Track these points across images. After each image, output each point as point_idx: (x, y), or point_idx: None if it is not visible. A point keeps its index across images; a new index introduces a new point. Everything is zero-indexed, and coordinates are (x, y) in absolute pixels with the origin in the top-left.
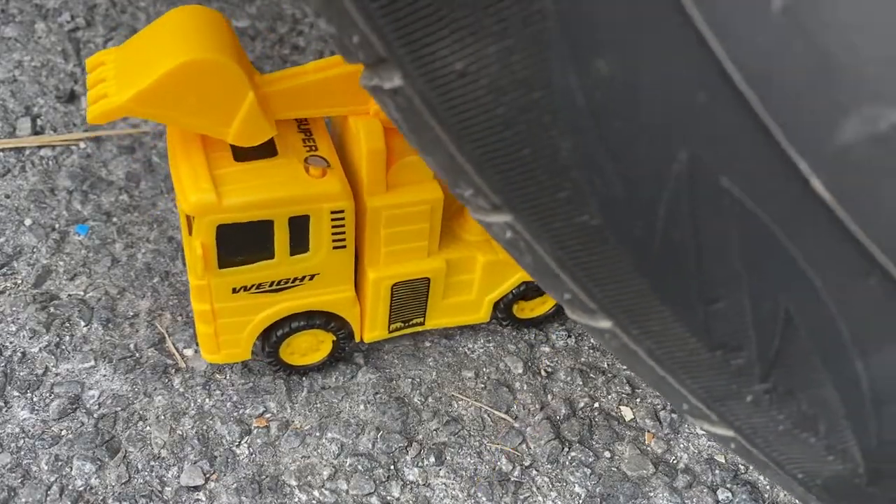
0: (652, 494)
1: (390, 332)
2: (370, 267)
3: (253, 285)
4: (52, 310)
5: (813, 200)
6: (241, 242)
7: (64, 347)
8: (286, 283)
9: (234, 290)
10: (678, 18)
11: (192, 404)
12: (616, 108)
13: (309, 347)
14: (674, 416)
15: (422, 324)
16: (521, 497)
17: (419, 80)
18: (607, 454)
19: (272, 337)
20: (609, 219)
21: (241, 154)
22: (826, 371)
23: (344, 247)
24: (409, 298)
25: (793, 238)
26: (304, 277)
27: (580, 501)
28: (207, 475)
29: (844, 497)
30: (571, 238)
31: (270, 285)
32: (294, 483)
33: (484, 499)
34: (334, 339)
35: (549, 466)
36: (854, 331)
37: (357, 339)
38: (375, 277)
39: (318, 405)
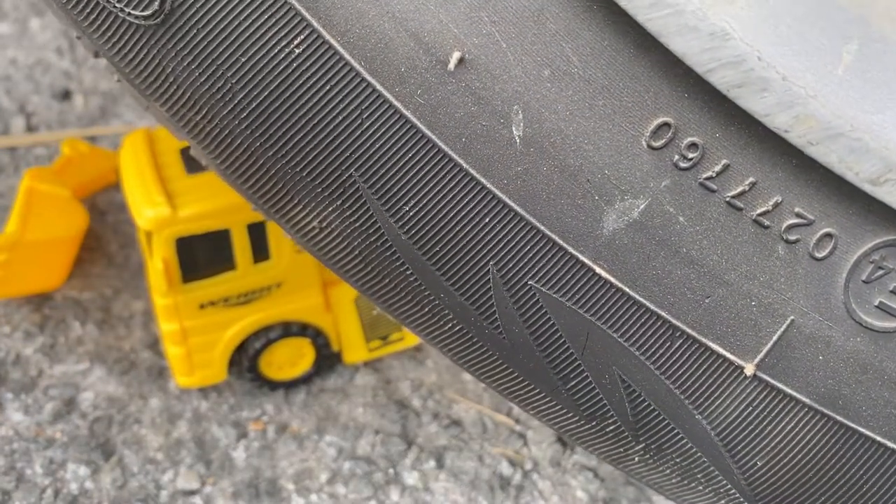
0: (655, 498)
1: (370, 350)
2: (331, 282)
3: (220, 299)
4: (46, 311)
5: (603, 285)
6: (202, 254)
7: (58, 349)
8: (253, 294)
9: (202, 306)
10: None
11: (188, 407)
12: (430, 248)
13: (289, 359)
14: None
15: (402, 339)
16: (523, 501)
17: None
18: None
19: (249, 350)
20: (465, 322)
21: (194, 166)
22: (677, 426)
23: None
24: (380, 312)
25: (598, 317)
26: (269, 287)
27: None
28: (204, 479)
29: None
30: (450, 343)
31: (238, 297)
32: (291, 487)
33: (485, 503)
34: (315, 348)
35: (550, 470)
36: (681, 388)
37: (343, 358)
38: (337, 292)
39: (316, 408)
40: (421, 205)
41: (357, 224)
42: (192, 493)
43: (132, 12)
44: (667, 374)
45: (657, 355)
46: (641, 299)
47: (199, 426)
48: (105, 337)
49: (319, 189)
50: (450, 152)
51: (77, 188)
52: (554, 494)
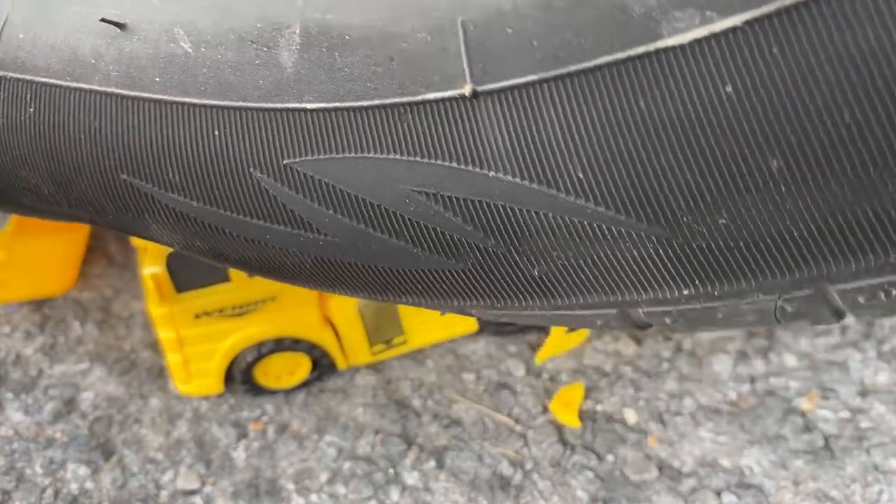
0: (655, 498)
1: (374, 354)
2: (329, 295)
3: (215, 310)
4: (46, 311)
5: (324, 119)
6: (196, 267)
7: (58, 349)
8: (248, 306)
9: (197, 316)
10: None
11: (188, 407)
12: (199, 194)
13: (286, 369)
14: (678, 418)
15: (405, 342)
16: (523, 501)
17: None
18: (610, 457)
19: (241, 363)
20: (295, 245)
21: None
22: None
23: None
24: (380, 315)
25: (341, 148)
26: (265, 299)
27: None
28: (204, 479)
29: None
30: (313, 279)
31: (233, 309)
32: (291, 487)
33: (485, 503)
34: (311, 359)
35: (550, 470)
36: (451, 158)
37: (340, 367)
38: (337, 303)
39: (316, 408)
40: (171, 160)
41: (145, 209)
42: (192, 492)
43: None
44: (435, 152)
45: (410, 144)
46: (350, 104)
47: (199, 426)
48: (105, 337)
49: (113, 202)
50: (155, 96)
51: None
52: (554, 494)
